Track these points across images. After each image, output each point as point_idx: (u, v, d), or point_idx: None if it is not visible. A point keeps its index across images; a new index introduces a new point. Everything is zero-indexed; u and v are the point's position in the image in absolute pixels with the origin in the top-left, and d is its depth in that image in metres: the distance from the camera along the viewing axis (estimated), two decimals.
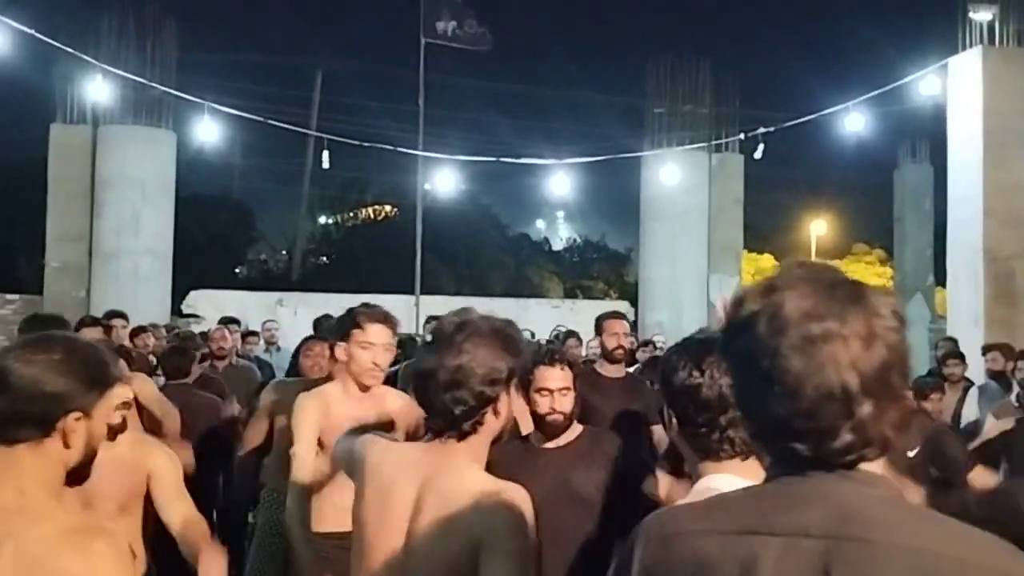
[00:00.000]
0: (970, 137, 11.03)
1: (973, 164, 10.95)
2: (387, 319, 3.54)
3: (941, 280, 13.24)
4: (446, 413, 2.01)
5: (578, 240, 37.18)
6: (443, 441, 2.05)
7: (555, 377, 3.36)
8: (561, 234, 45.08)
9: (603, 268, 31.74)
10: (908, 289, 18.93)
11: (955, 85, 11.35)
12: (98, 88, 11.67)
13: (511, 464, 2.97)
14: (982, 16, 11.18)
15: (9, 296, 15.26)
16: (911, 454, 4.81)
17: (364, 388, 3.55)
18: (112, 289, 13.31)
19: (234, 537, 4.68)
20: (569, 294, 27.19)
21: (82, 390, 1.69)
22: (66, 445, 1.67)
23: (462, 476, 2.01)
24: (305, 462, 3.41)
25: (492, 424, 2.07)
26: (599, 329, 5.43)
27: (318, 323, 7.63)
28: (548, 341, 8.61)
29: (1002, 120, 10.84)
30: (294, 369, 5.52)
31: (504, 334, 2.09)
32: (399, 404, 3.66)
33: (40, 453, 1.66)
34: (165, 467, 3.09)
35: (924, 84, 11.92)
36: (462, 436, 2.04)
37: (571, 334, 8.92)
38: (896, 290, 20.37)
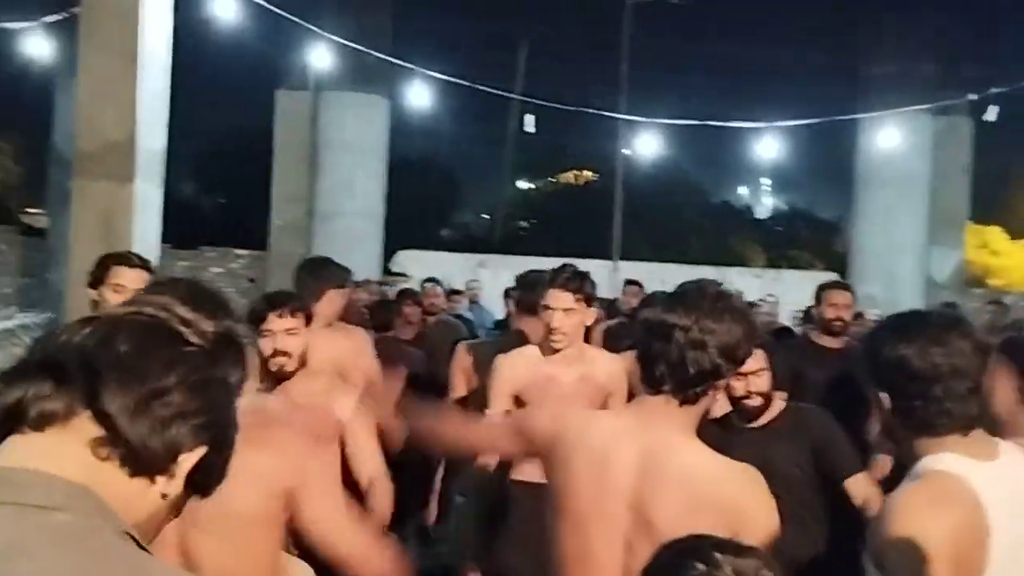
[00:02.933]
0: None
1: None
2: (569, 283, 3.55)
3: None
4: (681, 370, 1.99)
5: (783, 207, 35.85)
6: (665, 401, 2.03)
7: (751, 360, 3.30)
8: (765, 201, 43.65)
9: (809, 237, 30.45)
10: None
11: None
12: (319, 56, 12.33)
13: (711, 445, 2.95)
14: None
15: (239, 252, 16.55)
16: None
17: (551, 351, 3.60)
18: (329, 248, 14.14)
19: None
20: (773, 263, 26.30)
21: None
22: None
23: (693, 450, 2.01)
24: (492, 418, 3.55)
25: (709, 401, 2.06)
26: (819, 299, 5.21)
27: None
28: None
29: None
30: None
31: (751, 318, 2.09)
32: (609, 368, 3.67)
33: None
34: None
35: None
36: (684, 401, 2.02)
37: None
38: None
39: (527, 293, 4.21)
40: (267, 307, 3.12)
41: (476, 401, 4.02)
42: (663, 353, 1.98)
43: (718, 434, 3.34)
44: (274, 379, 3.10)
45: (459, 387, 4.27)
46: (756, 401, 3.35)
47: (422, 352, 5.77)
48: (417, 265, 15.04)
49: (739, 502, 1.92)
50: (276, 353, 3.05)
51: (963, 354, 1.89)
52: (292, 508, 2.24)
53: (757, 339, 2.13)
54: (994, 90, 12.56)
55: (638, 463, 1.98)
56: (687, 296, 2.03)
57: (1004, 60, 13.36)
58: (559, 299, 3.51)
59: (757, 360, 3.32)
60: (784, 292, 12.33)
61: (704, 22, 16.16)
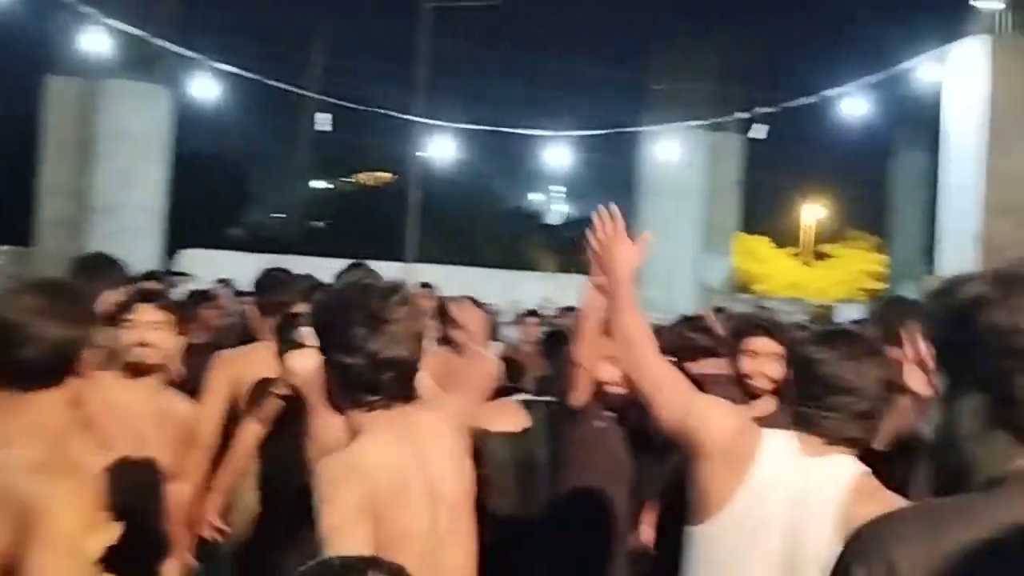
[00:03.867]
0: (970, 126, 11.03)
1: (972, 153, 10.96)
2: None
3: (933, 268, 13.31)
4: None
5: (575, 214, 37.20)
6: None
7: None
8: (557, 208, 45.07)
9: None
10: (900, 276, 19.00)
11: (954, 73, 11.33)
12: (96, 41, 11.56)
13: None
14: (991, 5, 11.14)
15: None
16: None
17: None
18: (105, 244, 13.27)
19: None
20: (563, 268, 27.21)
21: None
22: None
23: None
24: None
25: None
26: None
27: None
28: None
29: (1006, 109, 10.85)
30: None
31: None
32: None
33: None
34: None
35: (922, 71, 11.90)
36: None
37: (531, 312, 8.87)
38: (889, 277, 20.45)
39: (268, 295, 4.08)
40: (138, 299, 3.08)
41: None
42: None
43: (566, 428, 3.43)
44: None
45: (218, 395, 3.87)
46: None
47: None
48: (202, 265, 14.39)
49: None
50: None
51: (869, 378, 2.02)
52: None
53: None
54: (761, 110, 13.62)
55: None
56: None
57: (772, 83, 14.51)
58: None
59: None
60: (573, 296, 12.77)
61: (501, 31, 16.50)
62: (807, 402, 2.03)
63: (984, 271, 1.19)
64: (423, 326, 2.07)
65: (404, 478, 1.88)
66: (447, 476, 2.01)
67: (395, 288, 1.99)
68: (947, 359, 1.21)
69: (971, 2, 11.24)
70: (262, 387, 3.55)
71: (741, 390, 3.55)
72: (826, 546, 1.84)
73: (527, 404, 3.63)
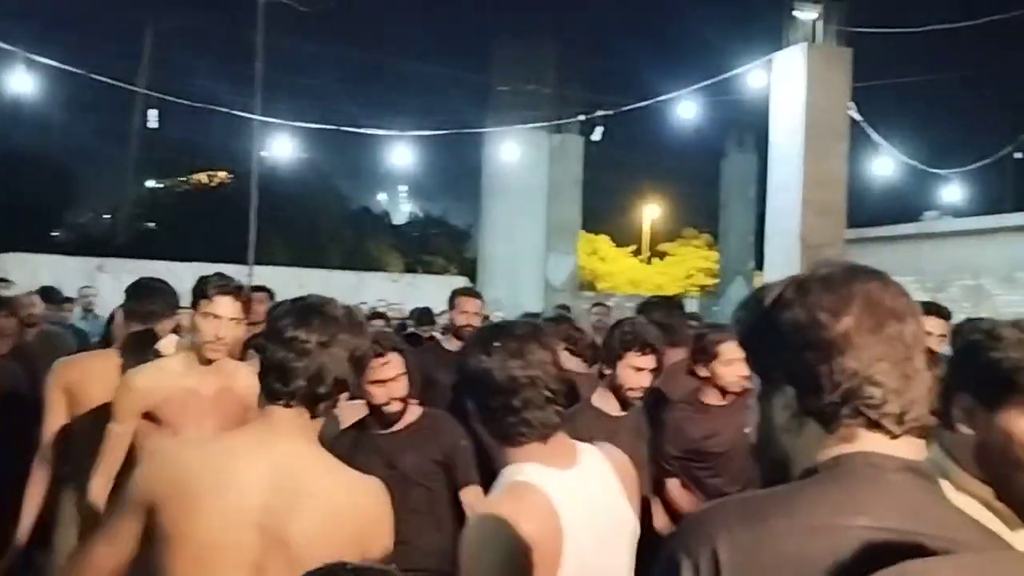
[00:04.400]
0: (791, 130, 11.69)
1: (793, 156, 11.62)
2: (239, 292, 3.43)
3: (761, 265, 14.07)
4: (315, 383, 1.96)
5: (419, 215, 37.08)
6: (296, 415, 1.98)
7: (388, 368, 3.35)
8: (403, 208, 44.81)
9: (443, 244, 31.77)
10: (731, 272, 19.94)
11: (778, 79, 11.99)
12: None
13: (347, 452, 2.97)
14: (806, 15, 11.85)
15: None
16: None
17: (206, 361, 3.41)
18: None
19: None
20: (409, 268, 27.09)
21: None
22: None
23: (326, 463, 2.00)
24: (121, 438, 3.27)
25: (332, 410, 2.06)
26: (451, 305, 5.43)
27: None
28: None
29: (822, 115, 11.55)
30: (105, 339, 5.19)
31: (368, 329, 2.12)
32: (249, 380, 3.52)
33: None
34: None
35: (751, 77, 12.54)
36: (314, 414, 2.01)
37: (377, 315, 8.86)
38: (720, 273, 21.44)
39: (139, 302, 3.91)
40: None
41: (86, 421, 3.64)
42: (297, 367, 1.95)
43: (353, 440, 3.36)
44: None
45: (57, 408, 3.72)
46: (395, 407, 3.39)
47: (21, 368, 5.14)
48: (23, 270, 13.50)
49: (371, 514, 1.95)
50: None
51: (541, 364, 1.99)
52: None
53: (377, 350, 2.20)
54: (600, 112, 14.00)
55: (268, 480, 1.91)
56: (313, 311, 2.00)
57: (611, 86, 14.93)
58: (227, 307, 3.34)
59: (395, 367, 3.37)
60: (420, 297, 12.76)
61: (341, 29, 16.24)
62: (495, 413, 1.98)
63: (790, 276, 1.26)
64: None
65: None
66: None
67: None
68: (757, 359, 1.28)
69: (793, 12, 11.92)
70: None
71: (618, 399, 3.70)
72: None
73: None
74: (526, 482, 1.91)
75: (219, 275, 3.45)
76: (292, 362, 1.94)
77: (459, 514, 3.35)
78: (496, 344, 1.99)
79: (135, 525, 1.93)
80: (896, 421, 1.14)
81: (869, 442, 1.14)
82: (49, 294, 7.95)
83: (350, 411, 3.41)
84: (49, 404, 3.69)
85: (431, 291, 14.27)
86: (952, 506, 1.13)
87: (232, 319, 3.37)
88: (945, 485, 1.28)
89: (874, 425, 1.14)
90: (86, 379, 3.64)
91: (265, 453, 1.93)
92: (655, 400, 4.18)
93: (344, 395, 2.02)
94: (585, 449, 2.07)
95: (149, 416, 3.32)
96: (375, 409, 3.38)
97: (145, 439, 3.25)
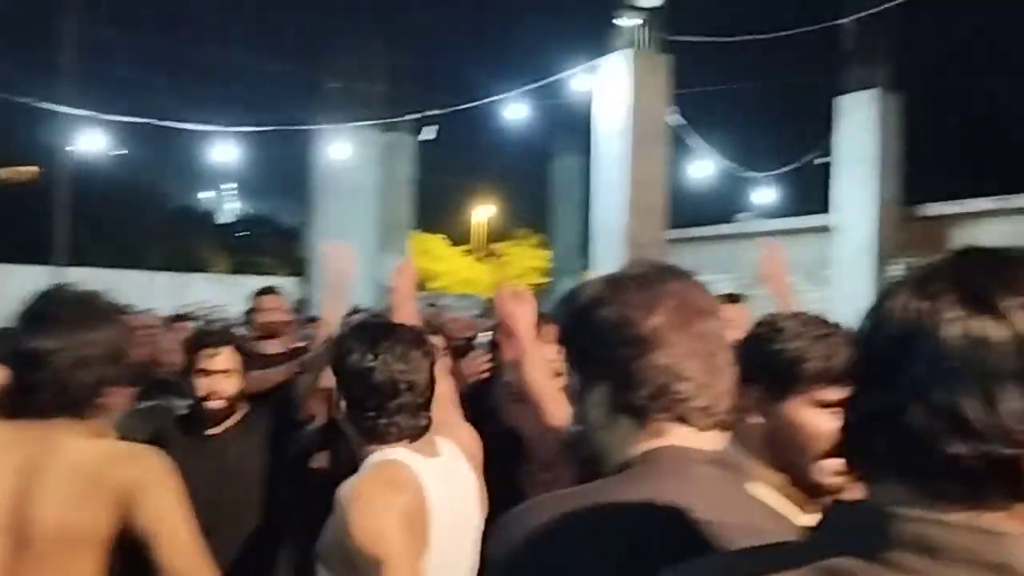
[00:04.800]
0: (616, 133, 12.09)
1: (617, 158, 12.02)
2: None
3: (590, 264, 14.48)
4: (65, 395, 1.83)
5: (247, 214, 35.96)
6: (53, 421, 1.86)
7: (217, 360, 3.24)
8: (230, 207, 43.28)
9: (273, 243, 30.93)
10: (561, 271, 20.42)
11: (603, 84, 12.38)
12: None
13: (174, 454, 2.84)
14: (629, 22, 12.28)
15: None
16: None
17: None
18: None
19: None
20: (237, 269, 26.20)
21: None
22: None
23: (83, 445, 1.86)
24: None
25: (107, 401, 1.94)
26: (252, 306, 5.27)
27: None
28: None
29: (644, 119, 12.01)
30: None
31: (120, 310, 1.98)
32: None
33: None
34: None
35: (576, 81, 12.88)
36: (82, 415, 1.88)
37: (180, 317, 8.55)
38: (552, 273, 21.90)
39: None
40: None
41: None
42: (41, 381, 1.83)
43: (180, 439, 3.23)
44: None
45: None
46: (218, 404, 3.27)
47: None
48: None
49: (135, 480, 1.83)
50: None
51: (421, 370, 2.03)
52: None
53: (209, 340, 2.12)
54: (431, 112, 13.99)
55: (16, 479, 1.80)
56: (47, 316, 1.87)
57: (442, 86, 14.93)
58: None
59: (225, 360, 3.26)
60: (247, 298, 12.33)
61: (161, 17, 15.49)
62: (368, 412, 2.00)
63: (605, 275, 1.30)
64: None
65: None
66: None
67: None
68: (574, 356, 1.31)
69: (614, 19, 12.31)
70: None
71: None
72: None
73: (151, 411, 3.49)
74: (394, 459, 1.93)
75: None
76: (33, 379, 1.83)
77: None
78: (383, 344, 2.00)
79: None
80: (704, 415, 1.18)
81: (677, 436, 1.18)
82: None
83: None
84: None
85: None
86: (750, 494, 1.19)
87: None
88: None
89: (683, 419, 1.18)
90: None
91: (16, 453, 1.82)
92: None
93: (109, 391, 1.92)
94: (444, 443, 2.11)
95: None
96: (198, 403, 3.27)
97: None
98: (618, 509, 1.12)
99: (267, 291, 5.41)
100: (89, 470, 1.81)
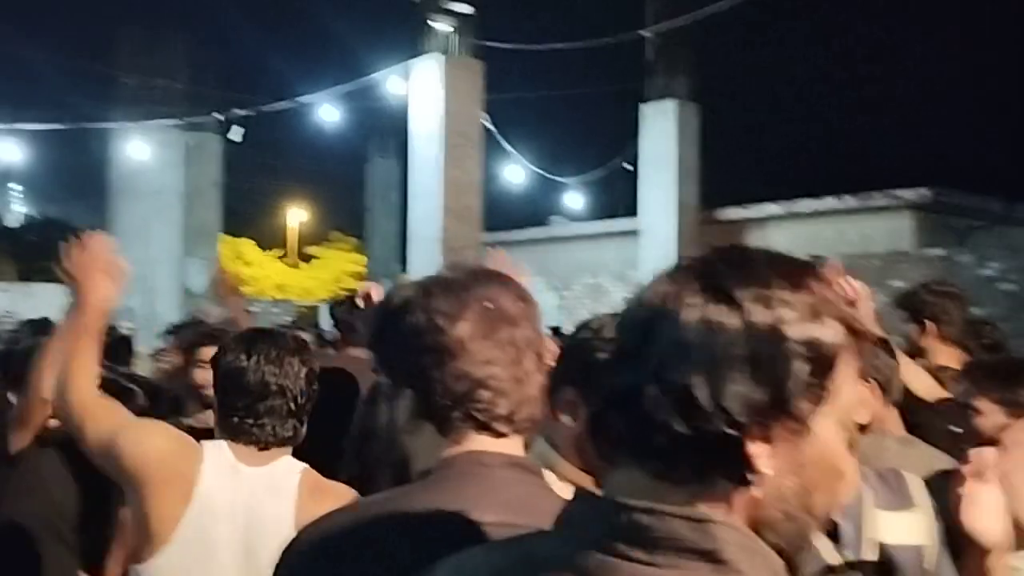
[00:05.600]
0: (430, 137, 12.10)
1: (432, 162, 12.04)
2: None
3: (407, 268, 14.43)
4: None
5: (36, 217, 33.61)
6: None
7: None
8: (17, 210, 40.31)
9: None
10: (378, 275, 20.22)
11: (416, 87, 12.36)
12: None
13: None
14: (442, 26, 12.31)
15: None
16: None
17: None
18: None
19: None
20: (25, 276, 24.37)
21: None
22: None
23: None
24: None
25: None
26: None
27: None
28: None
29: (458, 123, 12.07)
30: None
31: None
32: None
33: None
34: None
35: (390, 83, 12.81)
36: None
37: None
38: (368, 276, 21.69)
39: None
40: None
41: None
42: None
43: None
44: None
45: None
46: None
47: None
48: None
49: None
50: None
51: (296, 377, 2.03)
52: None
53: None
54: (238, 112, 13.52)
55: None
56: None
57: (249, 86, 14.48)
58: None
59: None
60: (36, 306, 11.55)
61: None
62: (236, 412, 2.02)
63: (419, 279, 1.28)
64: None
65: None
66: None
67: None
68: (384, 359, 1.29)
69: (429, 22, 12.31)
70: None
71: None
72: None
73: None
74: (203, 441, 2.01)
75: None
76: None
77: None
78: (257, 347, 2.02)
79: None
80: (505, 422, 1.19)
81: (477, 442, 1.18)
82: None
83: None
84: None
85: (50, 300, 12.91)
86: (554, 495, 1.20)
87: None
88: (550, 476, 1.36)
89: (484, 427, 1.18)
90: None
91: None
92: None
93: None
94: (291, 465, 2.07)
95: None
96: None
97: None
98: (407, 515, 1.11)
99: None
100: None
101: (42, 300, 13.81)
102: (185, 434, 2.06)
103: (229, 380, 2.02)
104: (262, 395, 1.99)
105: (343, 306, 4.24)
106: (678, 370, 0.75)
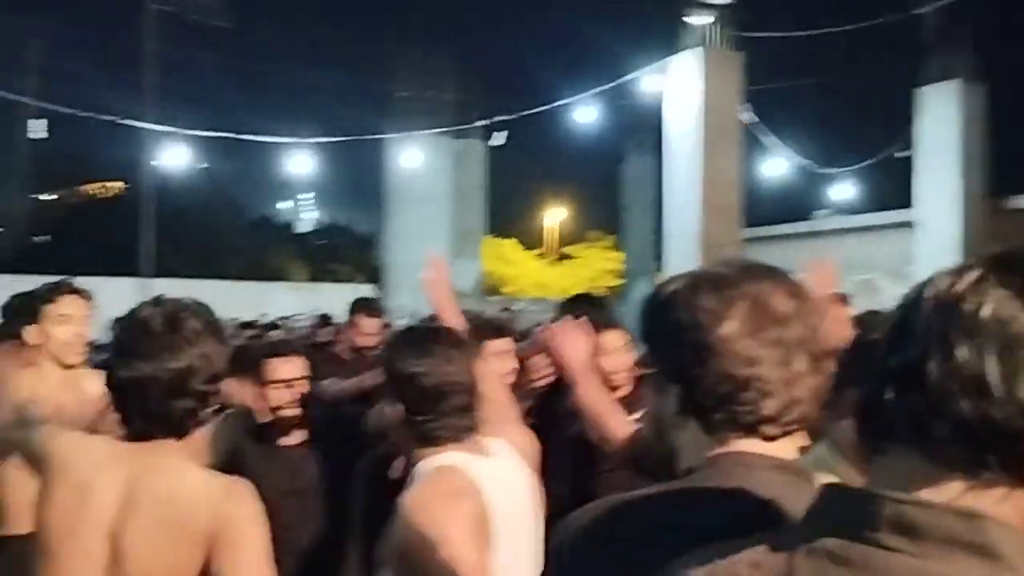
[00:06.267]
0: (687, 133, 11.95)
1: (689, 158, 11.88)
2: (80, 291, 3.29)
3: (662, 264, 14.36)
4: (169, 420, 1.87)
5: (324, 223, 36.65)
6: (154, 442, 1.90)
7: (289, 369, 3.25)
8: (307, 216, 44.14)
9: (350, 251, 31.45)
10: (635, 273, 20.26)
11: (674, 83, 12.25)
12: None
13: (247, 462, 2.88)
14: (699, 20, 12.13)
15: None
16: None
17: (67, 366, 3.26)
18: None
19: None
20: (314, 277, 26.72)
21: None
22: None
23: (181, 475, 1.89)
24: None
25: (207, 417, 1.97)
26: (351, 321, 5.26)
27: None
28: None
29: (717, 117, 11.84)
30: None
31: (216, 323, 1.98)
32: (100, 388, 3.39)
33: None
34: None
35: (647, 81, 12.78)
36: (181, 436, 1.91)
37: (247, 324, 8.65)
38: (625, 274, 21.76)
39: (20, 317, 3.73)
40: None
41: None
42: (136, 410, 1.84)
43: (253, 450, 3.27)
44: None
45: None
46: (292, 412, 3.28)
47: None
48: None
49: (220, 517, 1.80)
50: None
51: (468, 371, 2.03)
52: None
53: (225, 339, 2.08)
54: (500, 118, 14.06)
55: (121, 491, 1.84)
56: (138, 342, 1.85)
57: (511, 91, 15.01)
58: (80, 307, 3.22)
59: (295, 368, 3.28)
60: (324, 305, 12.59)
61: (236, 36, 15.90)
62: (421, 416, 2.01)
63: (689, 272, 1.29)
64: None
65: None
66: None
67: None
68: (653, 353, 1.30)
69: (684, 17, 12.18)
70: None
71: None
72: None
73: None
74: (451, 466, 1.94)
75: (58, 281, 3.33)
76: (132, 407, 1.84)
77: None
78: (428, 348, 2.01)
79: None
80: (771, 424, 1.16)
81: (742, 444, 1.16)
82: None
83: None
84: None
85: (336, 299, 14.08)
86: None
87: (87, 316, 3.25)
88: (826, 480, 1.32)
89: (748, 428, 1.16)
90: None
91: (125, 465, 1.86)
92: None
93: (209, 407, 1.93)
94: (496, 442, 2.11)
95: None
96: (273, 412, 3.28)
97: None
98: (683, 508, 1.11)
99: (368, 310, 5.32)
100: (185, 507, 1.83)
101: (329, 299, 15.05)
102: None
103: (406, 385, 2.04)
104: (441, 396, 2.02)
105: None
106: (969, 350, 0.72)
